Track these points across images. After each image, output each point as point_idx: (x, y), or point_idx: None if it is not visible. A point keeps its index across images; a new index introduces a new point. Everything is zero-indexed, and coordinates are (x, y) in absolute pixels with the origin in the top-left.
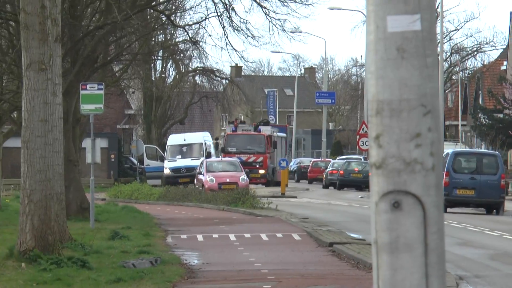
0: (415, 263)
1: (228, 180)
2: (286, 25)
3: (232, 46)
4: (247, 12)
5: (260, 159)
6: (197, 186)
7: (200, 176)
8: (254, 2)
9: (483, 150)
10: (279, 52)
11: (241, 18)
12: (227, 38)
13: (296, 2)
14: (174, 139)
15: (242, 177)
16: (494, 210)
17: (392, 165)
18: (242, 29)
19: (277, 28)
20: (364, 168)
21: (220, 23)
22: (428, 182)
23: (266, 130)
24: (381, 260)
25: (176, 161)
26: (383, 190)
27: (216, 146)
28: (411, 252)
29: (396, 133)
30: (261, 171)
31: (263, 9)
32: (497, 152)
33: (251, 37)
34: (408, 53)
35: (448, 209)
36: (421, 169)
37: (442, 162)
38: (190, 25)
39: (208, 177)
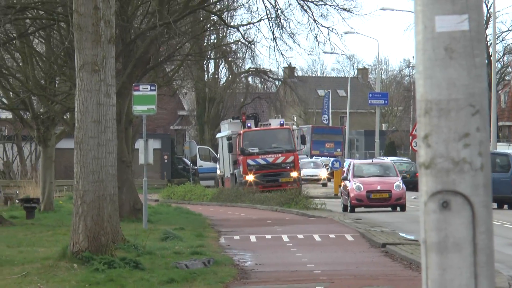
0: (464, 263)
1: (379, 188)
2: (339, 27)
3: (280, 51)
4: (298, 22)
5: (291, 158)
6: (343, 196)
7: (346, 183)
8: (305, 13)
9: (496, 150)
10: (332, 53)
11: (290, 25)
12: (276, 43)
13: (345, 10)
14: None
15: (397, 183)
16: (506, 205)
17: (440, 165)
18: (291, 36)
19: (323, 35)
20: (410, 169)
21: (270, 28)
22: (477, 181)
23: (275, 122)
24: (430, 260)
25: None
26: (431, 190)
27: (230, 147)
28: (460, 252)
29: (445, 132)
30: (293, 174)
31: (316, 23)
32: (509, 152)
33: (297, 44)
34: (456, 53)
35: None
36: (469, 169)
37: (490, 162)
38: (243, 25)
39: (355, 183)
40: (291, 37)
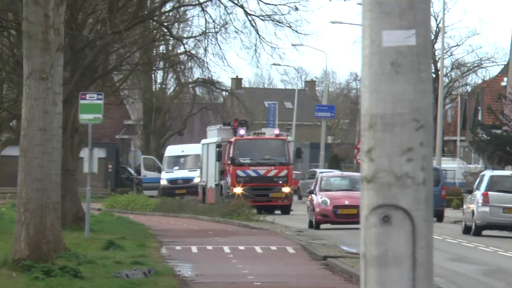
0: (403, 277)
1: (347, 203)
2: (290, 38)
3: (227, 63)
4: (237, 32)
5: (284, 172)
6: (309, 211)
7: (312, 196)
8: (251, 26)
9: None
10: (280, 65)
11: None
12: (223, 54)
13: (290, 27)
14: (172, 150)
15: None
16: (435, 218)
17: (383, 179)
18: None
19: (268, 47)
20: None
21: (215, 40)
22: (418, 196)
23: (268, 132)
24: (370, 274)
25: (173, 172)
26: (373, 204)
27: (218, 156)
28: (400, 266)
29: (388, 147)
30: (285, 190)
31: (259, 36)
32: (438, 166)
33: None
34: (403, 67)
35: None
36: (411, 183)
37: (432, 176)
38: (188, 38)
39: (321, 197)
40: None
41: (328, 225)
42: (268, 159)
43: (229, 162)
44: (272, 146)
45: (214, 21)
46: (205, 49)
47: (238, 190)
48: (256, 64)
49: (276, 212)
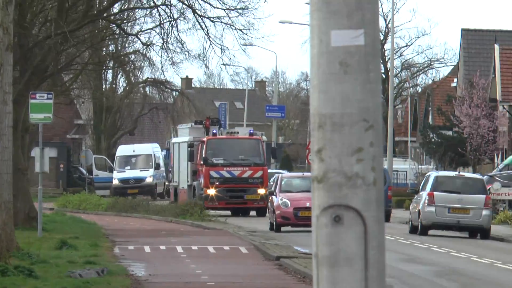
0: (355, 278)
1: (308, 205)
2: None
3: (172, 61)
4: (188, 30)
5: (259, 173)
6: (270, 213)
7: (273, 198)
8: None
9: None
10: (229, 65)
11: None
12: (167, 52)
13: (241, 27)
14: (123, 150)
15: None
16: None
17: (333, 179)
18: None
19: (216, 47)
20: None
21: (162, 37)
22: (369, 196)
23: (243, 131)
24: (322, 274)
25: (125, 172)
26: (324, 204)
27: (191, 156)
28: (351, 266)
29: (338, 147)
30: (261, 191)
31: (205, 32)
32: (384, 167)
33: (190, 55)
34: (351, 67)
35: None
36: (362, 183)
37: (383, 176)
38: (142, 32)
39: (281, 199)
40: (185, 50)
41: (289, 228)
42: (243, 159)
43: (202, 163)
44: (246, 146)
45: (167, 18)
46: (165, 40)
47: (211, 191)
48: (205, 65)
49: (252, 214)
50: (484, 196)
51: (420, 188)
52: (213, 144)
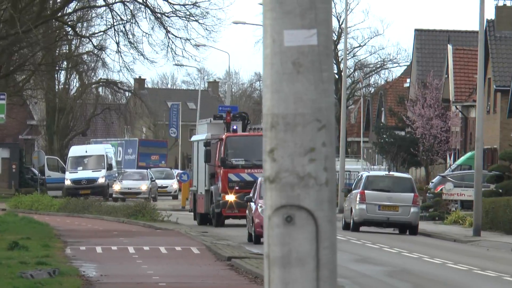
0: (307, 278)
1: None
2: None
3: (125, 63)
4: (146, 32)
5: None
6: (248, 222)
7: (251, 205)
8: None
9: None
10: (183, 65)
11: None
12: (120, 53)
13: (199, 23)
14: (75, 151)
15: None
16: None
17: (285, 179)
18: (135, 47)
19: (175, 46)
20: None
21: (115, 40)
22: (321, 197)
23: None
24: (273, 274)
25: (77, 172)
26: (276, 204)
27: (207, 156)
28: (303, 266)
29: (291, 147)
30: None
31: (165, 30)
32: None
33: (144, 57)
34: (304, 67)
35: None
36: (314, 184)
37: (335, 177)
38: (95, 34)
39: (260, 206)
40: (138, 50)
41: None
42: None
43: (220, 164)
44: None
45: (121, 18)
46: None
47: (230, 197)
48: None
49: None
50: (413, 194)
51: (353, 187)
52: (232, 143)
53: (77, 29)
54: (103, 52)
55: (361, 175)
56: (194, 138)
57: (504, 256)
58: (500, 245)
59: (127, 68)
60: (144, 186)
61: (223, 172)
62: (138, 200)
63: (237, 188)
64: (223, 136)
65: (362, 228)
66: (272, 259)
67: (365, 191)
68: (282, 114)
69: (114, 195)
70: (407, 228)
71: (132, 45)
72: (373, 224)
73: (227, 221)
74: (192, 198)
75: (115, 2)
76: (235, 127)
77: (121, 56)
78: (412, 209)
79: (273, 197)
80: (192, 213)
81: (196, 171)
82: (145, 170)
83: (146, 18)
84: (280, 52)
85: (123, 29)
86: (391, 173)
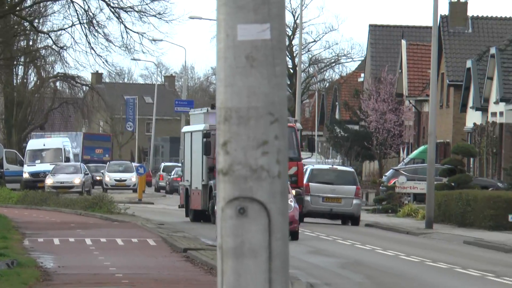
0: (259, 269)
1: None
2: (151, 34)
3: (96, 52)
4: (107, 19)
5: (293, 170)
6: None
7: None
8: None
9: None
10: (140, 60)
11: (101, 28)
12: (90, 45)
13: (155, 17)
14: (33, 144)
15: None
16: None
17: (238, 172)
18: (104, 37)
19: (134, 40)
20: None
21: (84, 32)
22: (274, 189)
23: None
24: (226, 265)
25: (35, 165)
26: (229, 196)
27: (206, 148)
28: (256, 257)
29: (244, 140)
30: (294, 192)
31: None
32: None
33: (113, 45)
34: (257, 61)
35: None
36: (267, 176)
37: (287, 169)
38: (54, 31)
39: None
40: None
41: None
42: None
43: None
44: None
45: (84, 12)
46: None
47: None
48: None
49: None
50: (355, 187)
51: None
52: None
53: (34, 24)
54: (65, 50)
55: (307, 168)
56: (186, 129)
57: (455, 248)
58: (452, 237)
59: (102, 60)
60: (77, 179)
61: None
62: (72, 194)
63: None
64: None
65: (306, 219)
66: (225, 250)
67: (310, 184)
68: (235, 108)
69: (46, 189)
70: (350, 219)
71: (105, 37)
72: (317, 215)
73: None
74: (184, 194)
75: None
76: None
77: (92, 48)
78: (355, 201)
79: (226, 189)
80: (184, 209)
81: (189, 164)
82: (78, 163)
83: (102, 11)
84: (234, 46)
85: (82, 26)
86: (334, 166)
